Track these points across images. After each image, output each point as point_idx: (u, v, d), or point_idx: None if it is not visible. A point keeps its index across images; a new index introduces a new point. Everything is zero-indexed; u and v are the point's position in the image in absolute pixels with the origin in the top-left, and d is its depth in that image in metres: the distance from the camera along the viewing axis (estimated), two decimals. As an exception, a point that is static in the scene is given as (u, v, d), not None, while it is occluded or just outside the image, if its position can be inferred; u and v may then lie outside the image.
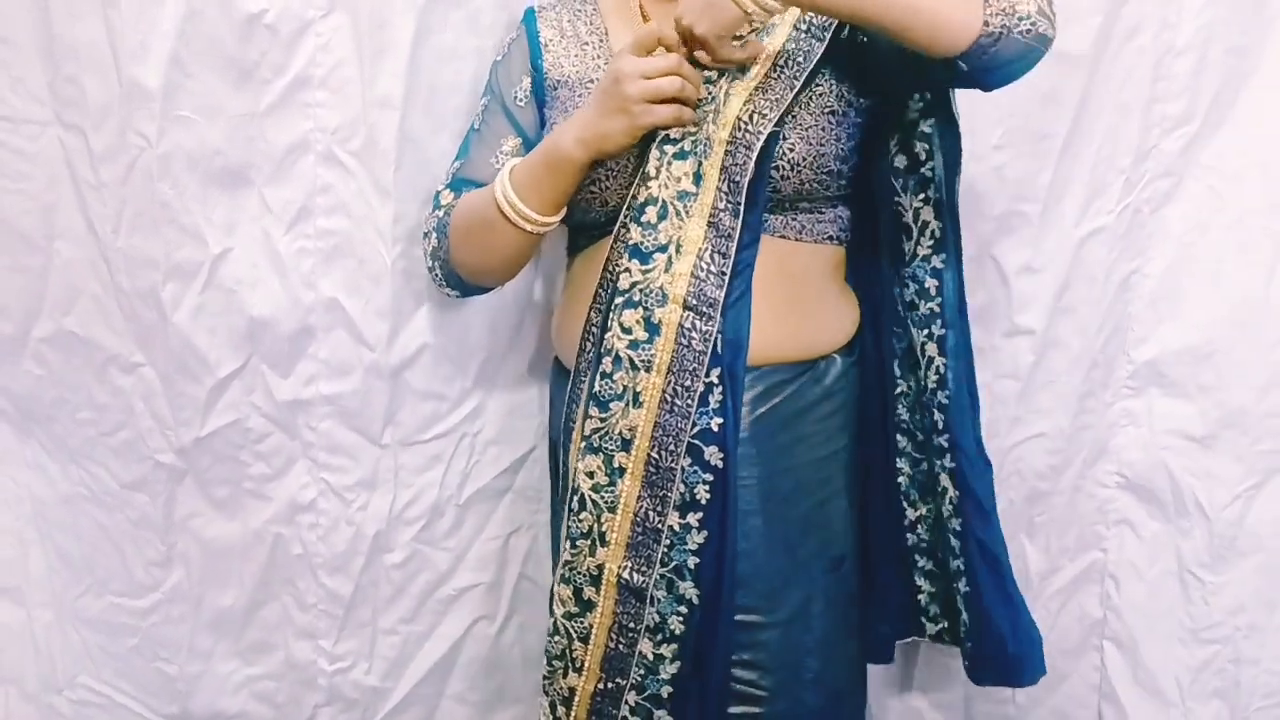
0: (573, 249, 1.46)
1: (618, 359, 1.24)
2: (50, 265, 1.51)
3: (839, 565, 1.36)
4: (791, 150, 1.26)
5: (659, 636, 1.27)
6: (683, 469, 1.23)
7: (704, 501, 1.24)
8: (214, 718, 1.68)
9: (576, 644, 1.29)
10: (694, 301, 1.22)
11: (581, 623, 1.29)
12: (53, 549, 1.62)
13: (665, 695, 1.27)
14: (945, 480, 1.44)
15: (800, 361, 1.32)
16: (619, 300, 1.25)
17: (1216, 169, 1.62)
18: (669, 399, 1.23)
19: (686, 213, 1.24)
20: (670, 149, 1.26)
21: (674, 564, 1.25)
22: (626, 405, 1.24)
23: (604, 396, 1.25)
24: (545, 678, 1.33)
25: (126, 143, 1.44)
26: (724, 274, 1.23)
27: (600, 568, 1.26)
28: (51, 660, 1.64)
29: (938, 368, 1.41)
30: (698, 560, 1.25)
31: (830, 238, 1.35)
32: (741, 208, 1.22)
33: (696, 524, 1.25)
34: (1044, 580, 1.78)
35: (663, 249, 1.24)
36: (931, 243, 1.40)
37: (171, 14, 1.41)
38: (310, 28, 1.47)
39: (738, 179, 1.22)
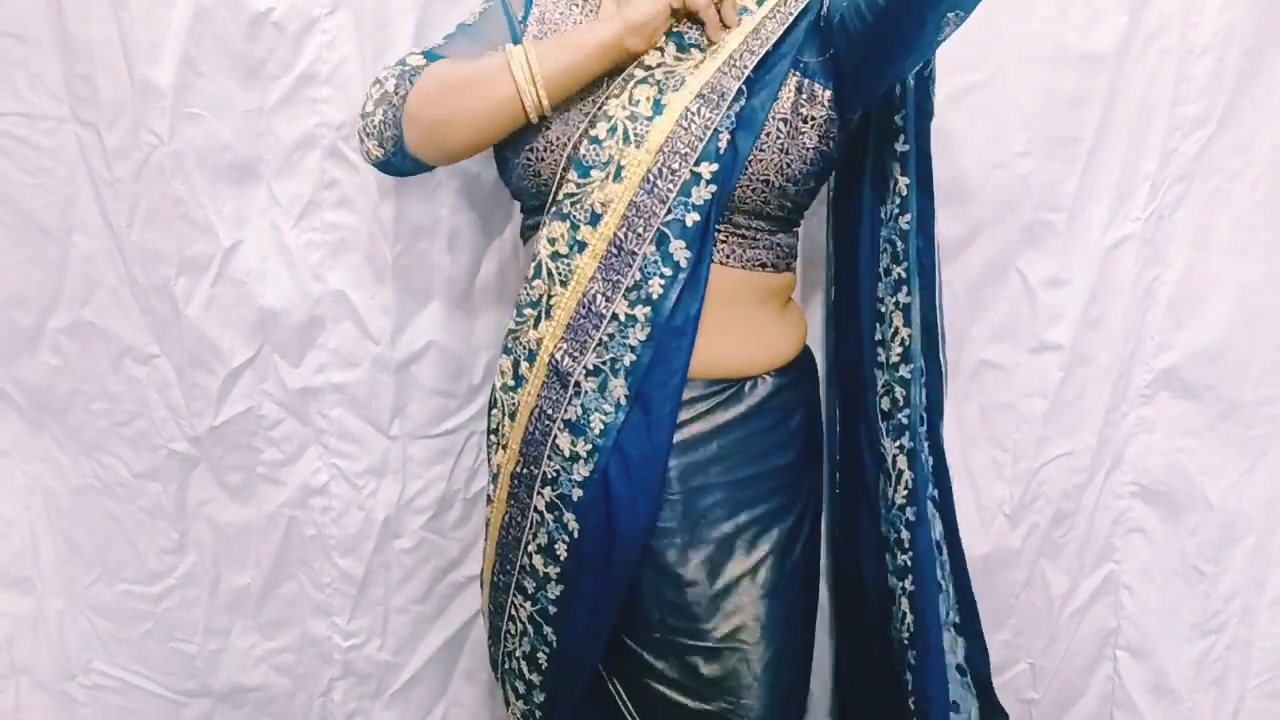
0: (524, 233, 1.40)
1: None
2: (68, 257, 1.54)
3: (777, 587, 1.27)
4: (761, 151, 1.21)
5: (578, 435, 1.21)
6: (645, 256, 1.19)
7: (656, 297, 1.18)
8: (235, 691, 1.73)
9: (506, 420, 1.27)
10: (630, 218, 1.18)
11: (513, 398, 1.25)
12: (63, 539, 1.65)
13: (575, 497, 1.23)
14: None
15: (721, 380, 1.27)
16: (551, 210, 1.23)
17: (1223, 168, 1.57)
18: (651, 179, 1.18)
19: (636, 138, 1.19)
20: (640, 73, 1.22)
21: (610, 357, 1.20)
22: (607, 178, 1.19)
23: (587, 163, 1.21)
24: (487, 448, 1.33)
25: (139, 140, 1.47)
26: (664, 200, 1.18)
27: (539, 343, 1.22)
28: (64, 648, 1.68)
29: (902, 339, 1.35)
30: (635, 358, 1.19)
31: (763, 264, 1.28)
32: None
33: (643, 318, 1.19)
34: (1064, 600, 1.74)
35: (602, 166, 1.20)
36: (899, 201, 1.34)
37: (182, 13, 1.43)
38: (316, 25, 1.48)
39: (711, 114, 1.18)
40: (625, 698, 1.31)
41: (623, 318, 1.19)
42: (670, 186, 1.17)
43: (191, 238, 1.51)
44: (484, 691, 1.81)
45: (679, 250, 1.18)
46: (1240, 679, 1.71)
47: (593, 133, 1.21)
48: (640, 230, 1.18)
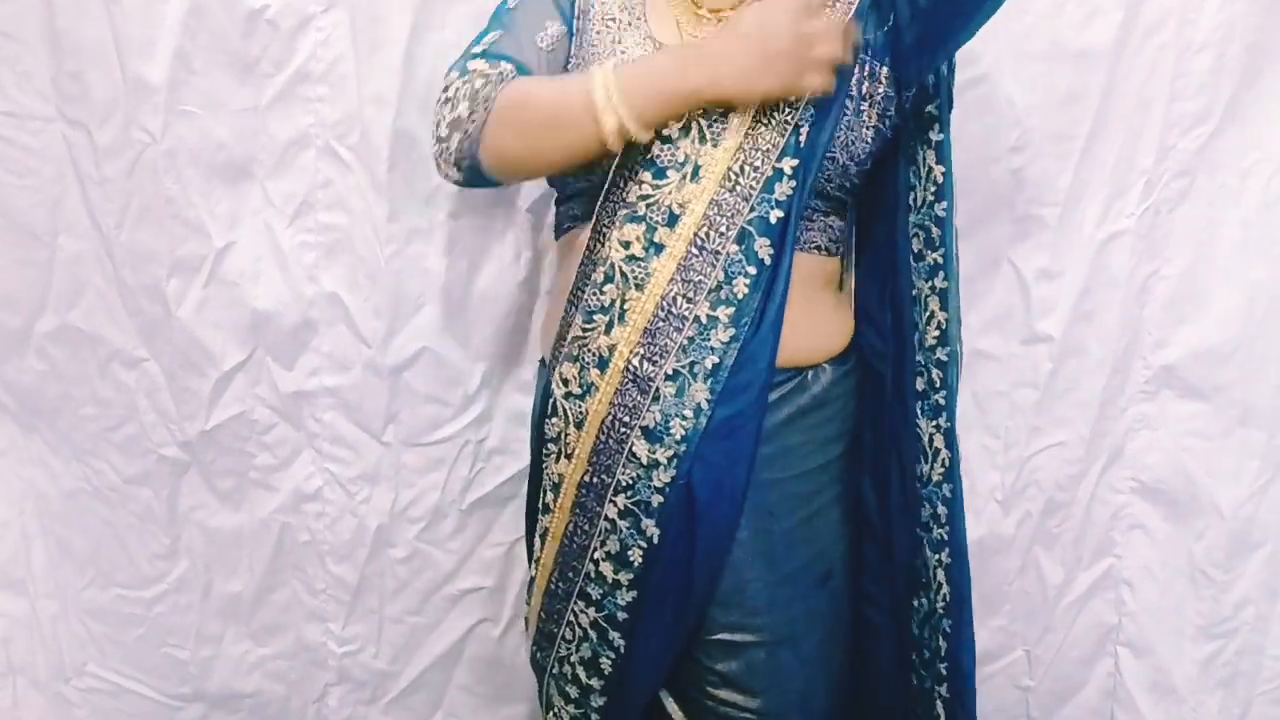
0: (559, 229, 1.38)
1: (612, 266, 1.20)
2: (55, 259, 1.52)
3: (827, 580, 1.30)
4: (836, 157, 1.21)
5: (655, 441, 1.19)
6: (728, 255, 1.17)
7: (741, 297, 1.17)
8: (229, 697, 1.71)
9: (571, 429, 1.23)
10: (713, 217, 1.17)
11: (580, 406, 1.22)
12: (56, 543, 1.64)
13: (655, 504, 1.20)
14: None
15: (785, 369, 1.24)
16: (621, 213, 1.19)
17: (1229, 166, 1.57)
18: (733, 177, 1.16)
19: (713, 137, 1.17)
20: None
21: (690, 360, 1.18)
22: (684, 178, 1.17)
23: (661, 163, 1.18)
24: (543, 457, 1.28)
25: (131, 138, 1.45)
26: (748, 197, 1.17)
27: (611, 349, 1.19)
28: (59, 650, 1.66)
29: (939, 322, 1.33)
30: (717, 360, 1.17)
31: (818, 247, 1.28)
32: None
33: (726, 319, 1.17)
34: (1060, 591, 1.75)
35: (679, 166, 1.18)
36: (935, 189, 1.32)
37: (175, 9, 1.42)
38: (311, 22, 1.46)
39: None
40: (679, 709, 1.31)
41: (704, 319, 1.17)
42: (753, 183, 1.17)
43: (183, 238, 1.49)
44: (481, 704, 1.79)
45: (763, 248, 1.17)
46: (1249, 684, 1.70)
47: (665, 131, 1.18)
48: (723, 229, 1.16)
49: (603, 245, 1.20)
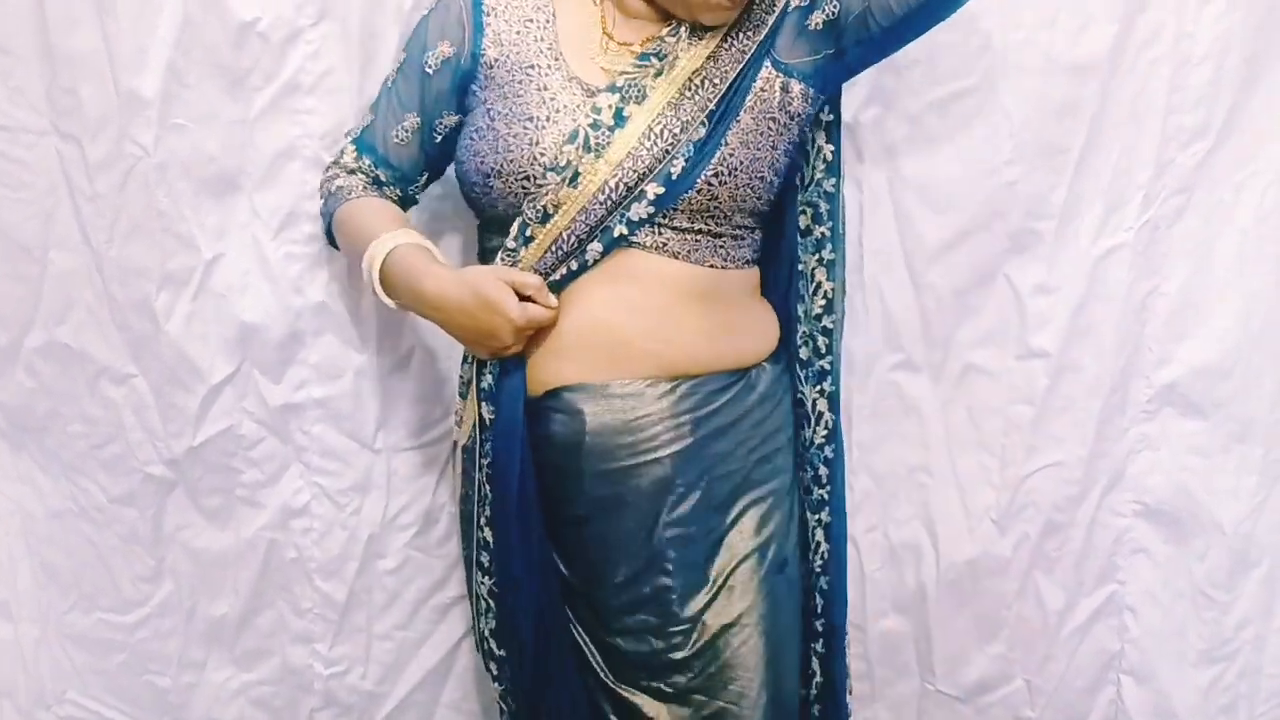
0: (482, 253, 1.43)
1: None
2: (45, 274, 1.51)
3: (783, 567, 1.36)
4: (732, 155, 1.28)
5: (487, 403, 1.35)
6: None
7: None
8: (211, 726, 1.68)
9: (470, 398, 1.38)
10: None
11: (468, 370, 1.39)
12: (40, 564, 1.61)
13: (486, 464, 1.36)
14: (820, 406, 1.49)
15: (735, 370, 1.35)
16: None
17: (1226, 180, 1.57)
18: (607, 190, 1.27)
19: (596, 148, 1.26)
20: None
21: None
22: (563, 181, 1.27)
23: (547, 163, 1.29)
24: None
25: (123, 152, 1.44)
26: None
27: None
28: (39, 676, 1.63)
29: (825, 292, 1.46)
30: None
31: (748, 261, 1.38)
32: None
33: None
34: (1061, 617, 1.72)
35: (560, 170, 1.27)
36: (824, 166, 1.44)
37: (168, 22, 1.41)
38: (300, 35, 1.46)
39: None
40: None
41: None
42: (620, 199, 1.26)
43: (173, 251, 1.48)
44: None
45: (593, 251, 1.27)
46: (1249, 706, 1.69)
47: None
48: (581, 235, 1.27)
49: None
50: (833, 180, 1.44)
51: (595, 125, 1.26)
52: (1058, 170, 1.56)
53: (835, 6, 1.27)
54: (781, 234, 1.45)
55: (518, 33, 1.35)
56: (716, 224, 1.30)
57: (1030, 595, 1.71)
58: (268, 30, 1.44)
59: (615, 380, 1.29)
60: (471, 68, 1.36)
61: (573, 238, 1.26)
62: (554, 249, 1.27)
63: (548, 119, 1.28)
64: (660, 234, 1.28)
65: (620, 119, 1.26)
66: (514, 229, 1.28)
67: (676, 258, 1.29)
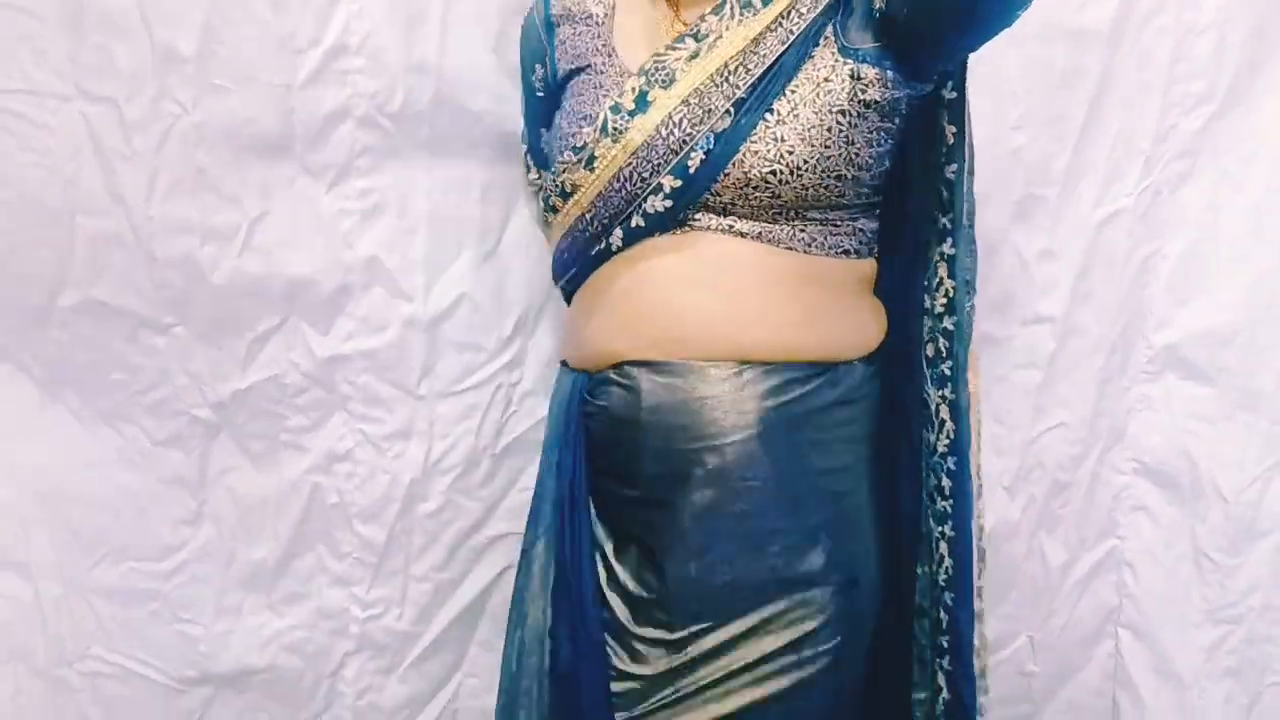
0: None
1: None
2: (74, 238, 1.51)
3: (852, 586, 1.24)
4: (791, 153, 1.18)
5: None
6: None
7: None
8: (240, 674, 1.67)
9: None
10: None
11: None
12: (62, 522, 1.60)
13: None
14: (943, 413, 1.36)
15: (816, 362, 1.24)
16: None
17: (1233, 150, 1.60)
18: (623, 178, 1.24)
19: (614, 132, 1.23)
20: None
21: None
22: (579, 162, 1.26)
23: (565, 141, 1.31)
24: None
25: (161, 110, 1.45)
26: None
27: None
28: (60, 635, 1.62)
29: (947, 290, 1.33)
30: None
31: (846, 251, 1.26)
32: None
33: None
34: (1063, 573, 1.76)
35: (577, 150, 1.26)
36: (945, 150, 1.32)
37: None
38: None
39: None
40: None
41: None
42: (637, 190, 1.21)
43: (216, 208, 1.49)
44: (499, 661, 1.71)
45: (615, 239, 1.25)
46: (1258, 674, 1.70)
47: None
48: (604, 220, 1.24)
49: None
50: (954, 166, 1.30)
51: (616, 109, 1.22)
52: (1060, 138, 1.60)
53: None
54: (907, 217, 1.34)
55: (579, 35, 1.35)
56: (791, 214, 1.21)
57: (1036, 555, 1.74)
58: (306, -9, 1.46)
59: (677, 358, 1.22)
60: (559, 82, 1.37)
61: (596, 222, 1.24)
62: (577, 230, 1.26)
63: (598, 115, 1.25)
64: (726, 217, 1.21)
65: (643, 103, 1.21)
66: (541, 202, 1.29)
67: (750, 239, 1.21)
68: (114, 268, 1.52)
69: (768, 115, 1.18)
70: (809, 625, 1.21)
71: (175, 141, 1.47)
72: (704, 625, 1.22)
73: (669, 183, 1.19)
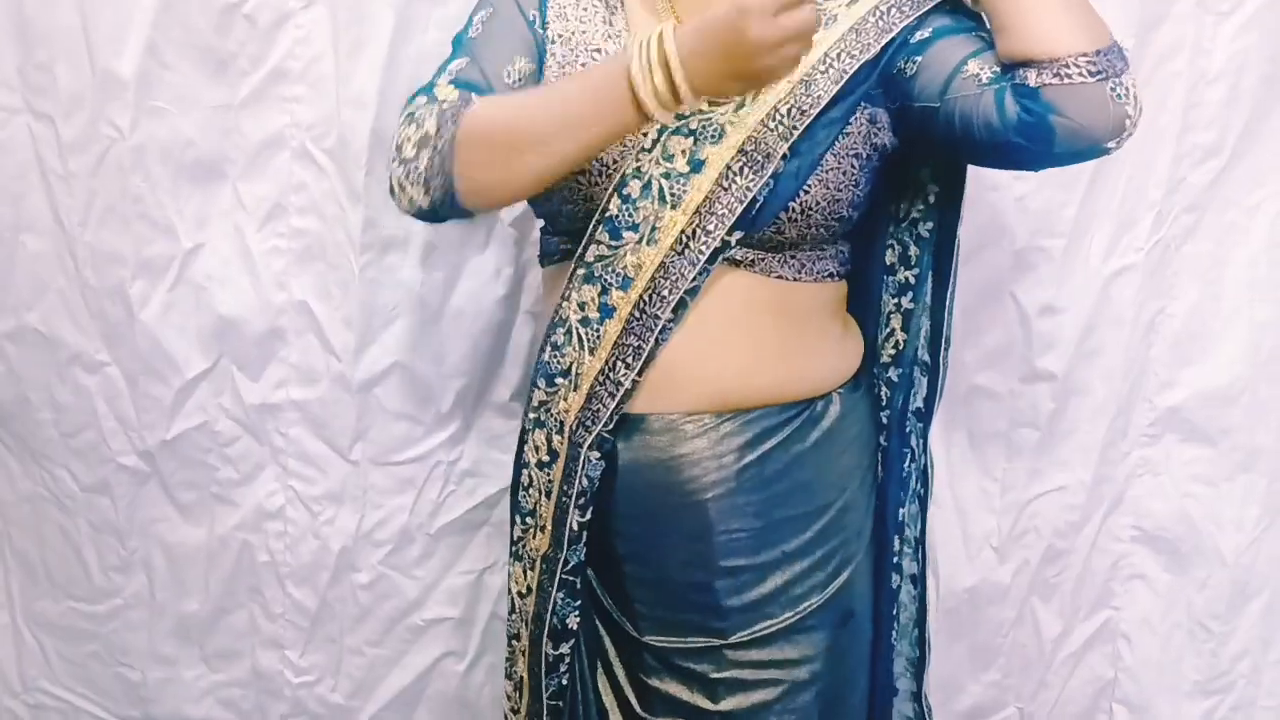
0: (546, 256, 1.28)
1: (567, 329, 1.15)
2: (15, 258, 1.47)
3: (847, 620, 1.21)
4: (806, 193, 1.10)
5: (583, 500, 1.16)
6: (664, 321, 1.11)
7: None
8: (179, 722, 1.65)
9: (543, 499, 1.19)
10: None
11: (548, 475, 1.18)
12: (10, 550, 1.59)
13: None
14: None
15: (794, 402, 1.18)
16: (579, 272, 1.13)
17: (1239, 202, 1.54)
18: (684, 240, 1.09)
19: (673, 198, 1.10)
20: (673, 121, 1.09)
21: (611, 420, 1.14)
22: (641, 240, 1.10)
23: (619, 223, 1.11)
24: (516, 541, 1.24)
25: (98, 133, 1.41)
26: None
27: (565, 414, 1.15)
28: (8, 664, 1.62)
29: (896, 342, 1.28)
30: None
31: (830, 274, 1.19)
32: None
33: None
34: (1057, 644, 1.69)
35: (635, 228, 1.11)
36: (923, 207, 1.25)
37: (148, 2, 1.38)
38: (290, 19, 1.42)
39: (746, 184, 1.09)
40: None
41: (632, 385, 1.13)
42: (703, 249, 1.10)
43: (150, 238, 1.45)
44: None
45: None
46: None
47: (625, 190, 1.11)
48: (665, 293, 1.11)
49: (565, 305, 1.15)
50: (929, 225, 1.24)
51: (668, 175, 1.10)
52: (1068, 187, 1.51)
53: (914, 63, 1.09)
54: (869, 255, 1.27)
55: (584, 9, 1.21)
56: (787, 246, 1.14)
57: (1027, 622, 1.68)
58: (254, 12, 1.40)
59: (654, 413, 1.15)
60: (542, 47, 1.19)
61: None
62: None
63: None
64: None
65: (696, 165, 1.10)
66: (591, 299, 1.14)
67: (744, 268, 1.13)
68: (52, 293, 1.49)
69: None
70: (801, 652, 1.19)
71: (111, 166, 1.43)
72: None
73: (735, 238, 1.10)
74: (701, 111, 1.10)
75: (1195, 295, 1.57)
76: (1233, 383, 1.58)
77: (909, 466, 1.30)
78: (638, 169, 1.11)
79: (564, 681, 1.25)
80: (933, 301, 1.27)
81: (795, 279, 1.16)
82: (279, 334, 1.52)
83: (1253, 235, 1.55)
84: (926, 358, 1.28)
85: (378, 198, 1.47)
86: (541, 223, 1.27)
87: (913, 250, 1.26)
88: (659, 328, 1.11)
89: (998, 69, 1.04)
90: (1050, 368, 1.57)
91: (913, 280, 1.26)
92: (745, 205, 1.08)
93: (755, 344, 1.15)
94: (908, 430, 1.30)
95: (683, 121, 1.10)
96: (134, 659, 1.61)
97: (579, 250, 1.14)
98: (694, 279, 1.10)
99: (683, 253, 1.10)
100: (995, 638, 1.68)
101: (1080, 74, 0.99)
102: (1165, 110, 1.50)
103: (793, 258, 1.15)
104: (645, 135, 1.12)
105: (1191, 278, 1.57)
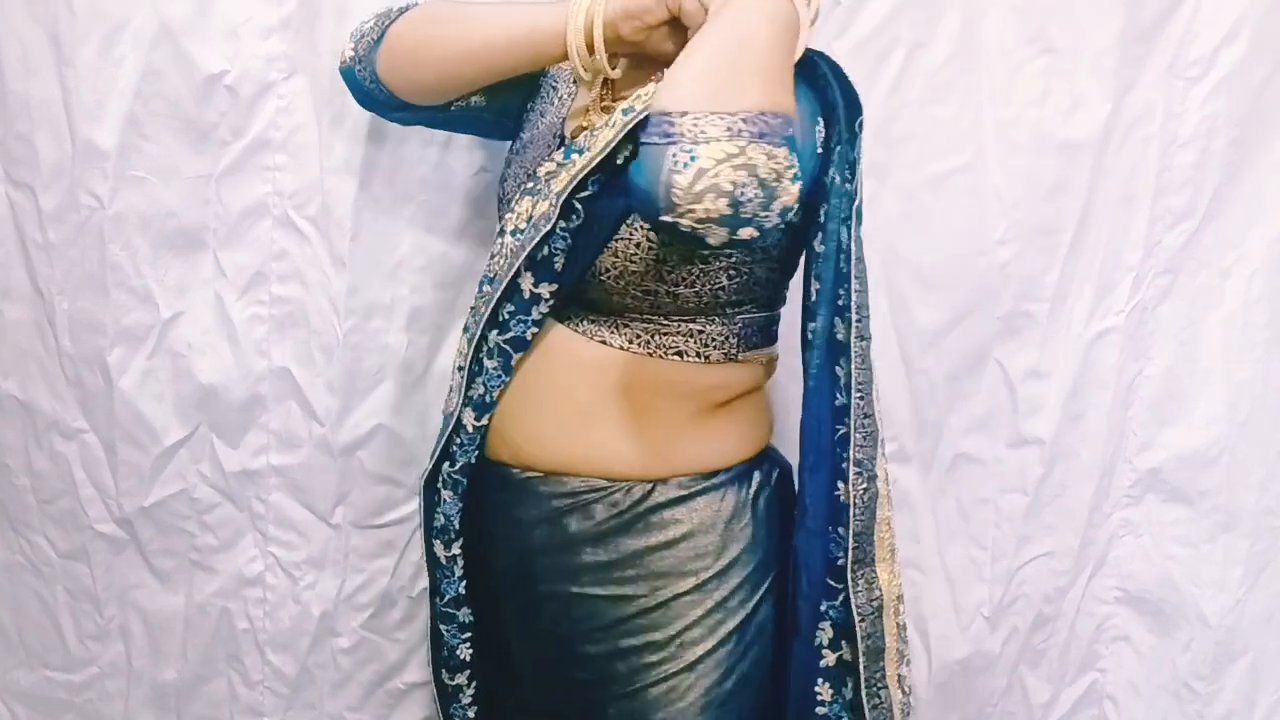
0: None
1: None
2: None
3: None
4: (601, 257, 1.09)
5: (447, 536, 1.22)
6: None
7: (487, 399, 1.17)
8: (158, 795, 1.62)
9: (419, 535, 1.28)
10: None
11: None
12: None
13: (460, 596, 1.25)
14: None
15: (610, 479, 1.13)
16: (464, 324, 1.22)
17: (1212, 263, 1.54)
18: (510, 291, 1.13)
19: (511, 254, 1.13)
20: (529, 183, 1.16)
21: (461, 463, 1.19)
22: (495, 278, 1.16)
23: (485, 278, 1.18)
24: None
25: (77, 203, 1.41)
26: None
27: (438, 453, 1.22)
28: None
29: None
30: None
31: (678, 353, 1.12)
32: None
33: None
34: (1045, 711, 1.67)
35: (492, 281, 1.15)
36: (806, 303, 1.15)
37: (129, 73, 1.38)
38: (272, 90, 1.42)
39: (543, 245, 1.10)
40: None
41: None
42: (522, 298, 1.12)
43: (129, 307, 1.45)
44: None
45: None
46: None
47: (493, 248, 1.19)
48: (491, 344, 1.15)
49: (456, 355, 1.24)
50: (814, 325, 1.12)
51: (516, 231, 1.15)
52: (1049, 251, 1.51)
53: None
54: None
55: (546, 98, 1.25)
56: (608, 309, 1.12)
57: (1016, 691, 1.66)
58: (236, 84, 1.40)
59: (499, 461, 1.18)
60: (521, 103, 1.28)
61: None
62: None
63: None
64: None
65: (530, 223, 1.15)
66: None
67: (565, 323, 1.13)
68: (30, 360, 1.49)
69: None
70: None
71: (90, 236, 1.43)
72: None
73: (545, 290, 1.13)
74: (551, 171, 1.14)
75: (1171, 357, 1.57)
76: (1211, 444, 1.58)
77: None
78: (501, 228, 1.18)
79: (470, 715, 1.28)
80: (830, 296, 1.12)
81: (624, 348, 1.12)
82: (259, 401, 1.51)
83: (1227, 297, 1.55)
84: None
85: (363, 263, 1.47)
86: None
87: (813, 286, 1.12)
88: (487, 377, 1.15)
89: None
90: (1037, 432, 1.56)
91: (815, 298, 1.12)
92: (532, 248, 1.10)
93: (572, 407, 1.13)
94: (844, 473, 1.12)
95: (536, 182, 1.15)
96: (110, 729, 1.59)
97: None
98: (515, 329, 1.13)
99: (508, 302, 1.13)
100: (984, 708, 1.66)
101: (651, 135, 0.90)
102: (1139, 174, 1.50)
103: (625, 325, 1.12)
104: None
105: (1167, 339, 1.57)
